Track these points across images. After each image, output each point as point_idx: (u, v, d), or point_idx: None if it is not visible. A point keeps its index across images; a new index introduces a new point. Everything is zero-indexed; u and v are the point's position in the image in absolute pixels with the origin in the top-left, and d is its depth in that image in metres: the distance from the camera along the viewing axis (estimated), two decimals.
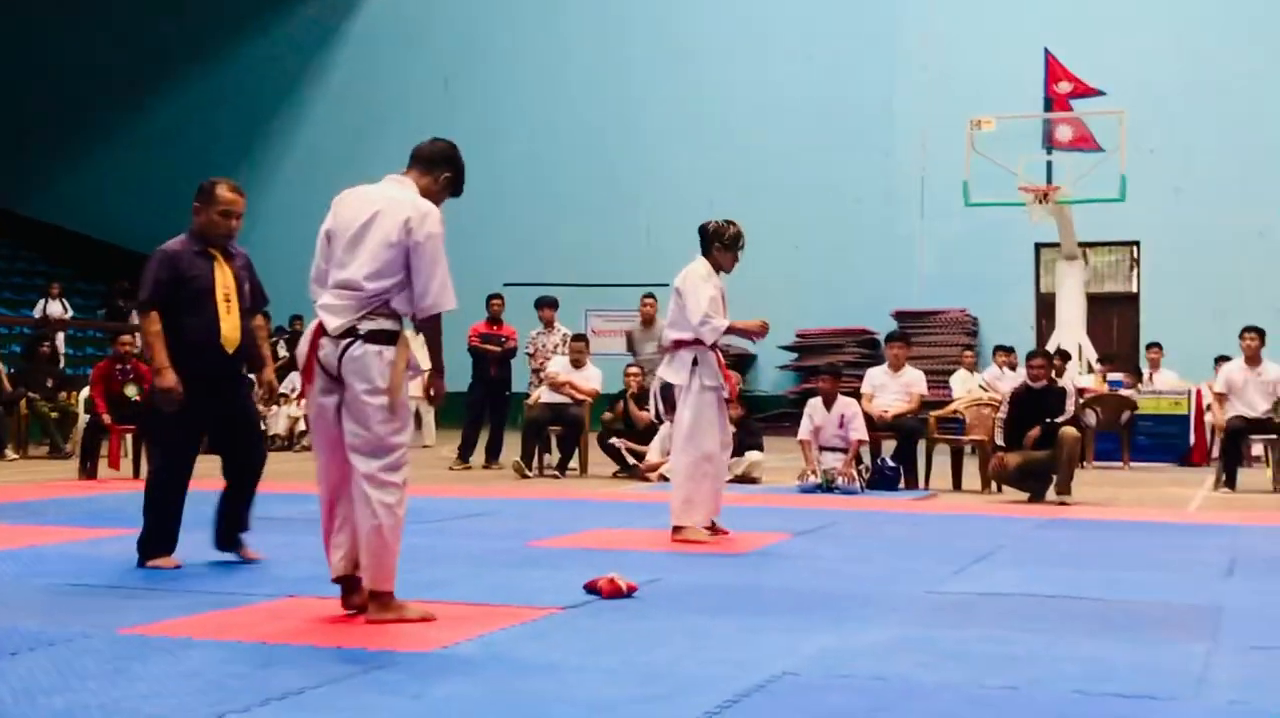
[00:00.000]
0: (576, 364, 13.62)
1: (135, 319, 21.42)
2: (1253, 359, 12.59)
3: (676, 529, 7.66)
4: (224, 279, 6.49)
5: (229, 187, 6.58)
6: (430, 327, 5.12)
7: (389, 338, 5.03)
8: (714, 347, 7.83)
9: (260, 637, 4.74)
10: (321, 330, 5.05)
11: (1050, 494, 10.74)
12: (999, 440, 11.04)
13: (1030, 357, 11.52)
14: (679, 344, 7.77)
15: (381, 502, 4.98)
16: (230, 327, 6.45)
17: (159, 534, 6.42)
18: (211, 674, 4.13)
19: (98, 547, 7.18)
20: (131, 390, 12.54)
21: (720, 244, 7.86)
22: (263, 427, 16.49)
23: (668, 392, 7.96)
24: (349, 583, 5.15)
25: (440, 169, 5.31)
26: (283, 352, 20.59)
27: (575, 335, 14.20)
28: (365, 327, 5.01)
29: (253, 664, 4.29)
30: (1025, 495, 10.94)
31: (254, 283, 6.78)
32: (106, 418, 12.32)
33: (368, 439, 4.98)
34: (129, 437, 12.59)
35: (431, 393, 5.30)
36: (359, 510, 5.02)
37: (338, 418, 5.06)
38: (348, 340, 5.00)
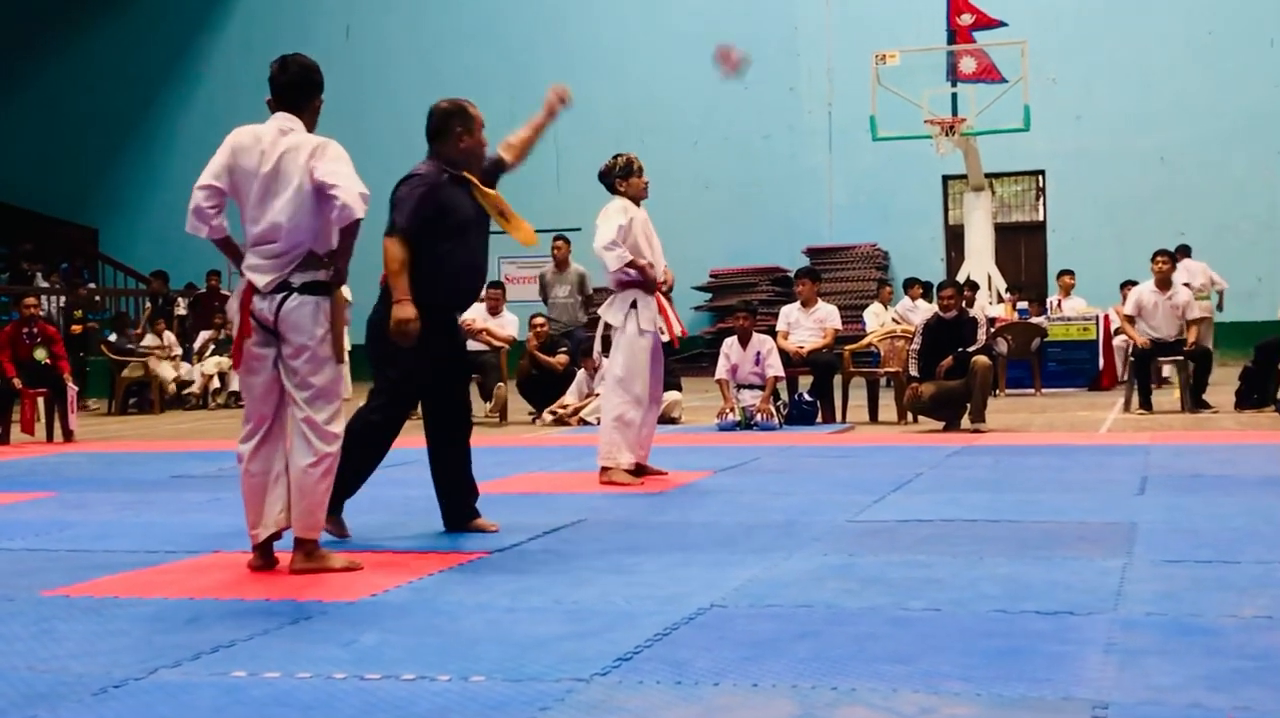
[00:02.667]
0: (493, 312, 13.58)
1: (42, 283, 21.06)
2: (1163, 283, 12.78)
3: (603, 471, 7.69)
4: (494, 200, 6.13)
5: (470, 102, 6.21)
6: (346, 235, 4.97)
7: (323, 289, 5.01)
8: (659, 290, 7.83)
9: (186, 592, 4.72)
10: (252, 289, 4.99)
11: (965, 423, 10.90)
12: (913, 371, 11.18)
13: (940, 287, 11.65)
14: (621, 284, 7.79)
15: (320, 451, 4.98)
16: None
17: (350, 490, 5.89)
18: (139, 632, 4.11)
19: (14, 511, 7.09)
20: (41, 354, 12.33)
21: (619, 177, 7.92)
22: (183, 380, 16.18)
23: (607, 331, 8.00)
24: (270, 543, 5.12)
25: (312, 96, 5.23)
26: (181, 310, 20.38)
27: (491, 283, 14.13)
28: (297, 279, 4.97)
29: (181, 620, 4.27)
30: (941, 425, 11.10)
31: None
32: (17, 382, 12.11)
33: (310, 389, 4.97)
34: (41, 400, 12.39)
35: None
36: (295, 458, 5.00)
37: (275, 371, 5.03)
38: (282, 294, 4.96)
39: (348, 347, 5.19)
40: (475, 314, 13.52)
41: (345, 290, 5.19)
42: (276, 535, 5.11)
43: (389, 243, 5.79)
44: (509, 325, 13.58)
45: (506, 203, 6.22)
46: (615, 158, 8.04)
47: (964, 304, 11.54)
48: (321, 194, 4.92)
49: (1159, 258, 12.86)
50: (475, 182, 6.08)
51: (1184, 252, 17.95)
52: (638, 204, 7.92)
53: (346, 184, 4.90)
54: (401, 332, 5.64)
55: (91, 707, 3.31)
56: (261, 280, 4.98)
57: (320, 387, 5.00)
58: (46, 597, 4.71)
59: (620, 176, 7.94)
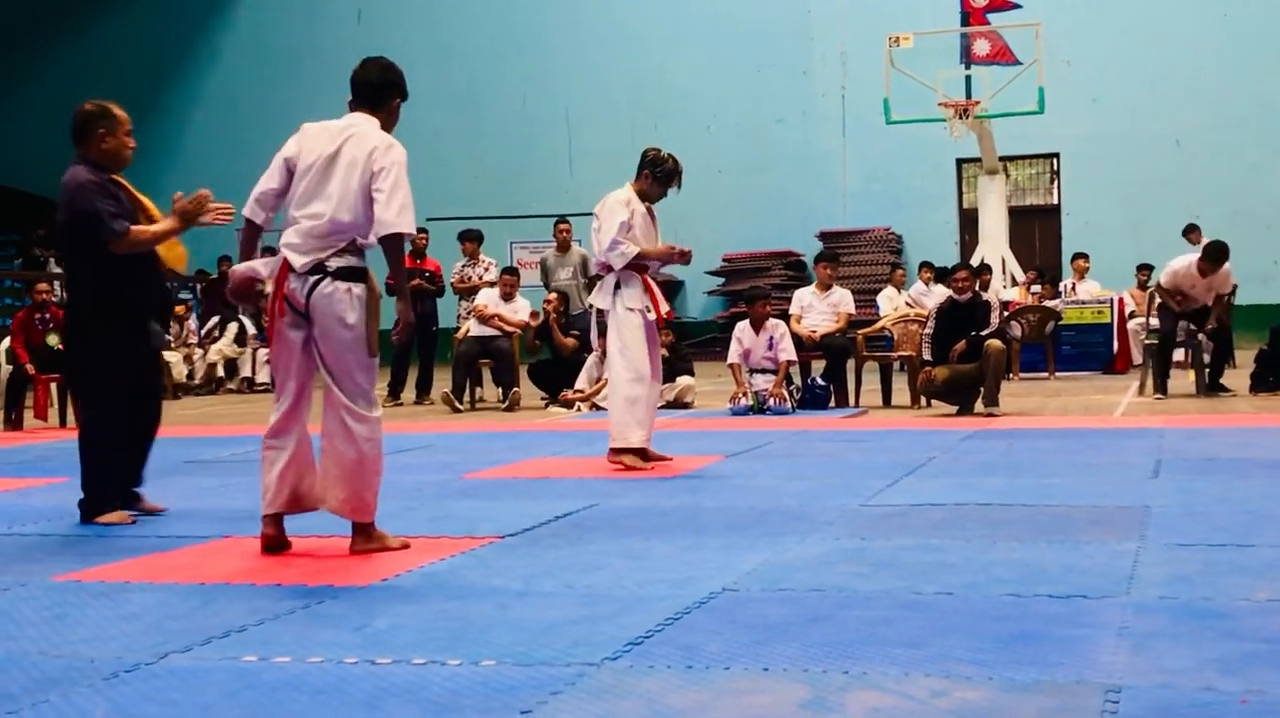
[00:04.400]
0: (506, 297, 13.58)
1: (55, 268, 21.11)
2: (1205, 274, 12.40)
3: (614, 451, 7.68)
4: (143, 203, 6.28)
5: (117, 105, 6.32)
6: (389, 248, 5.03)
7: (358, 275, 5.05)
8: (644, 270, 7.81)
9: (198, 577, 4.73)
10: (288, 267, 5.01)
11: (978, 406, 10.87)
12: (926, 355, 11.15)
13: (954, 270, 11.61)
14: (608, 268, 7.77)
15: (363, 436, 5.04)
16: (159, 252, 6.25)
17: (110, 488, 6.14)
18: (151, 616, 4.11)
19: (26, 497, 7.11)
20: (53, 339, 12.35)
21: (653, 174, 7.81)
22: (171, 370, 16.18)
23: (601, 317, 7.99)
24: (279, 519, 5.14)
25: (390, 97, 5.27)
26: (185, 296, 20.41)
27: (506, 269, 14.13)
28: (334, 264, 5.01)
29: (192, 605, 4.28)
30: (954, 409, 11.08)
31: None
32: (30, 368, 12.14)
33: (345, 375, 5.02)
34: (54, 386, 12.42)
35: (400, 323, 5.18)
36: (339, 445, 5.04)
37: (305, 353, 5.08)
38: (316, 277, 4.99)
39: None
40: (488, 300, 13.53)
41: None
42: (289, 512, 5.14)
43: (127, 241, 5.94)
44: (521, 311, 13.57)
45: (158, 212, 6.29)
46: (669, 158, 7.83)
47: (978, 287, 11.49)
48: (370, 198, 4.97)
49: (1203, 262, 12.38)
50: (127, 184, 6.22)
51: (1195, 231, 17.88)
52: (643, 199, 7.84)
53: (390, 209, 4.93)
54: (199, 205, 5.99)
55: (103, 691, 3.31)
56: (299, 260, 5.01)
57: (355, 371, 5.05)
58: (58, 582, 4.72)
59: (655, 177, 7.81)
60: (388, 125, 5.22)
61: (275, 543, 5.14)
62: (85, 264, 6.07)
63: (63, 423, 12.21)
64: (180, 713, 3.12)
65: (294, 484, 5.10)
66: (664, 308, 7.98)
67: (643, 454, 7.72)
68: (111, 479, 6.14)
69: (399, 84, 5.29)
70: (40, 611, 4.24)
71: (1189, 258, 12.65)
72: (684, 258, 8.01)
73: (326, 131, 5.12)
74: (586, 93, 24.04)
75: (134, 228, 5.98)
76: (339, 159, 5.03)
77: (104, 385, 6.10)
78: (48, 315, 12.51)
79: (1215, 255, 12.32)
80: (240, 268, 5.19)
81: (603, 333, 7.98)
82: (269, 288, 5.13)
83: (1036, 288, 17.34)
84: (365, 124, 5.14)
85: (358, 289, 5.03)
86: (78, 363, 6.28)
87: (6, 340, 13.17)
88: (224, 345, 17.65)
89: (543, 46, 24.42)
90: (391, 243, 5.01)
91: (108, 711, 3.15)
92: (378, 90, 5.24)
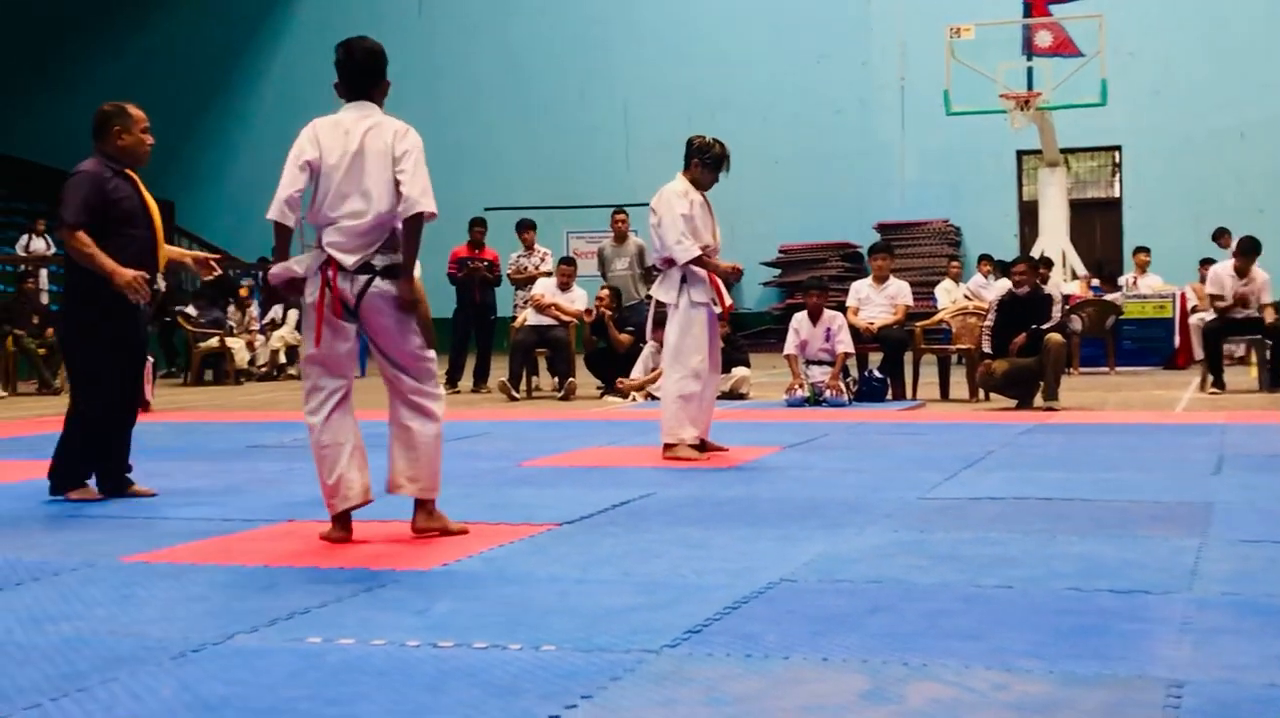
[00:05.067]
0: (563, 287, 13.63)
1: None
2: (1244, 270, 12.47)
3: (667, 447, 7.69)
4: (150, 199, 6.46)
5: (134, 105, 6.50)
6: (411, 229, 5.08)
7: (402, 272, 5.10)
8: (707, 264, 7.79)
9: (263, 560, 4.79)
10: (336, 266, 5.06)
11: (1038, 401, 10.81)
12: (986, 348, 11.09)
13: (1014, 263, 11.53)
14: (668, 263, 7.74)
15: (437, 414, 5.17)
16: (161, 244, 6.46)
17: (84, 467, 6.36)
18: (217, 598, 4.17)
19: (93, 479, 7.19)
20: None
21: (701, 161, 7.79)
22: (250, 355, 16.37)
23: (661, 310, 7.98)
24: (349, 514, 5.18)
25: (382, 78, 5.29)
26: (246, 281, 20.56)
27: (563, 259, 14.18)
28: (380, 262, 5.06)
29: (257, 587, 4.34)
30: (1013, 402, 11.01)
31: None
32: None
33: (410, 360, 5.12)
34: None
35: (401, 297, 5.13)
36: (416, 426, 5.12)
37: (353, 344, 5.16)
38: (365, 277, 5.04)
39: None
40: (545, 289, 13.58)
41: (415, 266, 5.26)
42: (358, 506, 5.17)
43: (69, 237, 6.11)
44: (578, 301, 13.62)
45: (158, 223, 6.48)
46: (715, 143, 7.81)
47: (1038, 280, 11.40)
48: (396, 185, 5.02)
49: (1239, 256, 12.46)
50: (139, 183, 6.39)
51: (1225, 234, 17.71)
52: (697, 188, 7.84)
53: (415, 187, 4.99)
54: (133, 287, 6.07)
55: (171, 671, 3.37)
56: (348, 259, 5.04)
57: (419, 354, 5.13)
58: (126, 563, 4.79)
59: (704, 164, 7.77)
60: (381, 105, 5.25)
61: (343, 539, 5.16)
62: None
63: None
64: (246, 693, 3.17)
65: (360, 477, 5.14)
66: (728, 300, 7.99)
67: (699, 446, 7.73)
68: (88, 459, 6.35)
69: (383, 64, 5.31)
70: (108, 591, 4.30)
71: (1228, 261, 12.69)
72: (737, 275, 8.03)
73: (340, 127, 5.13)
74: (644, 84, 24.05)
75: (81, 235, 6.10)
76: (365, 154, 5.05)
77: (98, 371, 6.27)
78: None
79: (1248, 249, 12.47)
80: (278, 268, 5.23)
81: (659, 324, 7.99)
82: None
83: (1095, 282, 17.21)
84: (375, 113, 5.17)
85: (405, 285, 5.09)
86: (73, 348, 6.45)
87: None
88: (286, 332, 17.82)
89: (601, 37, 24.45)
90: (414, 222, 5.03)
91: (175, 689, 3.21)
92: (369, 74, 5.24)
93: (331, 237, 5.09)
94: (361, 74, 5.24)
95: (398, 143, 5.05)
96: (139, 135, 6.39)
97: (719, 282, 7.87)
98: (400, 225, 5.09)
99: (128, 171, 6.38)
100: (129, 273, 6.10)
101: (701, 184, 7.81)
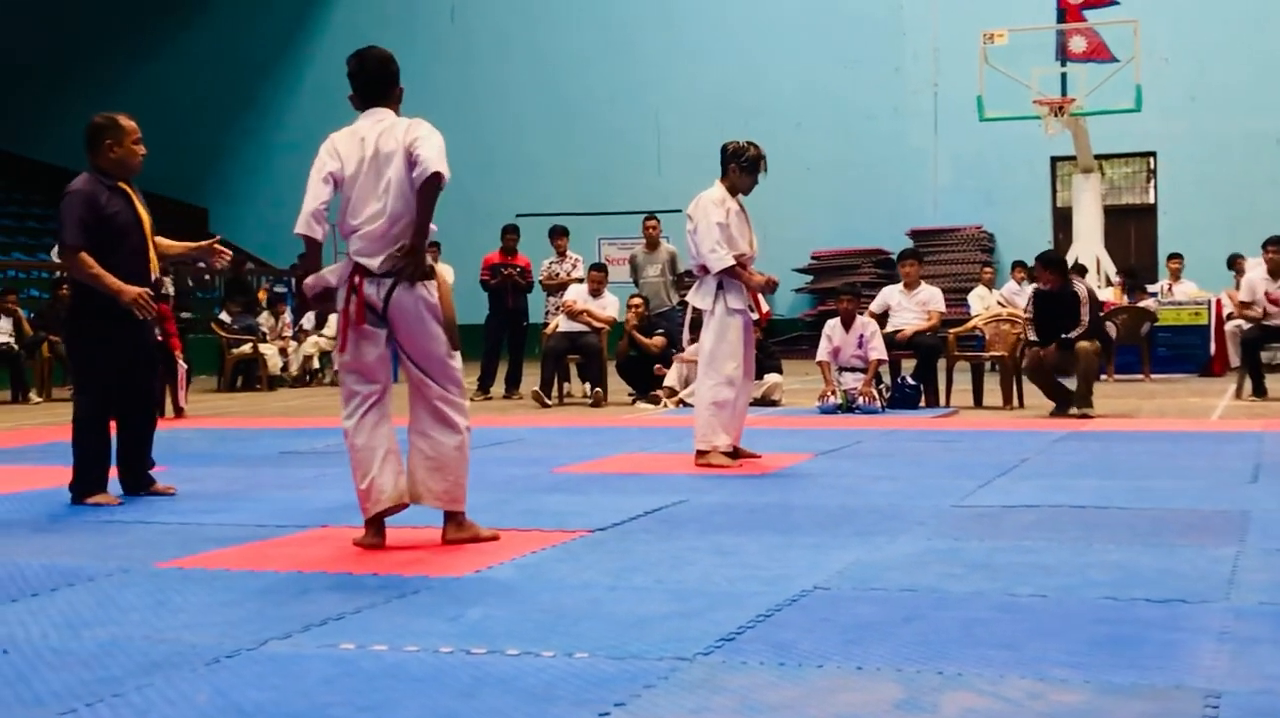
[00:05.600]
0: (595, 293, 13.64)
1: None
2: (1275, 271, 12.47)
3: (700, 454, 7.68)
4: (143, 211, 6.56)
5: (127, 116, 6.61)
6: (425, 192, 5.02)
7: (427, 274, 5.11)
8: (741, 270, 7.77)
9: (296, 566, 4.80)
10: (363, 272, 5.08)
11: (1072, 409, 10.74)
12: (1031, 336, 10.99)
13: (1038, 266, 11.42)
14: (705, 269, 7.73)
15: (460, 424, 5.16)
16: (154, 258, 6.57)
17: (97, 472, 6.47)
18: (251, 603, 4.19)
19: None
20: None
21: (738, 165, 7.78)
22: (281, 360, 16.40)
23: (697, 316, 7.96)
24: (382, 519, 5.19)
25: (395, 86, 5.32)
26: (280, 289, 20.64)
27: (594, 265, 14.19)
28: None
29: (290, 593, 4.35)
30: (1047, 409, 10.94)
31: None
32: None
33: (436, 367, 5.12)
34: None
35: (406, 256, 5.09)
36: (438, 436, 5.13)
37: (384, 350, 5.16)
38: (390, 281, 5.05)
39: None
40: (576, 295, 13.60)
41: (447, 270, 5.28)
42: (391, 511, 5.18)
43: (70, 258, 6.32)
44: (610, 307, 13.63)
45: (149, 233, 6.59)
46: (749, 145, 7.81)
47: (1065, 277, 11.26)
48: (409, 162, 5.02)
49: (1270, 247, 12.55)
50: (135, 195, 6.51)
51: (1240, 259, 17.58)
52: (734, 194, 7.82)
53: (429, 149, 4.98)
54: (139, 304, 6.27)
55: (206, 676, 3.38)
56: (373, 263, 5.06)
57: (445, 361, 5.13)
58: (161, 568, 4.82)
59: (741, 167, 7.76)
60: (397, 112, 5.26)
61: (377, 544, 5.17)
62: None
63: (161, 413, 12.40)
64: (281, 698, 3.18)
65: (395, 482, 5.15)
66: (765, 307, 7.97)
67: (732, 453, 7.72)
68: (99, 463, 6.48)
69: (397, 72, 5.33)
70: (143, 596, 4.32)
71: (1263, 267, 12.65)
72: (771, 288, 7.99)
73: (356, 136, 5.16)
74: (675, 90, 24.05)
75: (84, 257, 6.28)
76: (380, 157, 5.08)
77: (94, 377, 6.47)
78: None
79: (1276, 239, 12.53)
80: (311, 279, 5.25)
81: (695, 332, 7.97)
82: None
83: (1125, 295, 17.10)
84: (389, 118, 5.19)
85: (430, 283, 5.10)
86: (74, 352, 6.66)
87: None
88: (321, 338, 17.87)
89: (632, 44, 24.47)
90: (429, 184, 4.99)
91: (210, 695, 3.22)
92: (385, 82, 5.27)
93: (356, 244, 5.12)
94: (374, 82, 5.27)
95: (409, 133, 5.07)
96: (130, 147, 6.51)
97: (754, 291, 7.85)
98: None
99: (121, 184, 6.51)
100: (134, 290, 6.29)
101: (740, 188, 7.79)
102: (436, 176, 4.97)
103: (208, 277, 21.70)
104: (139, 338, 6.56)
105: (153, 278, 6.57)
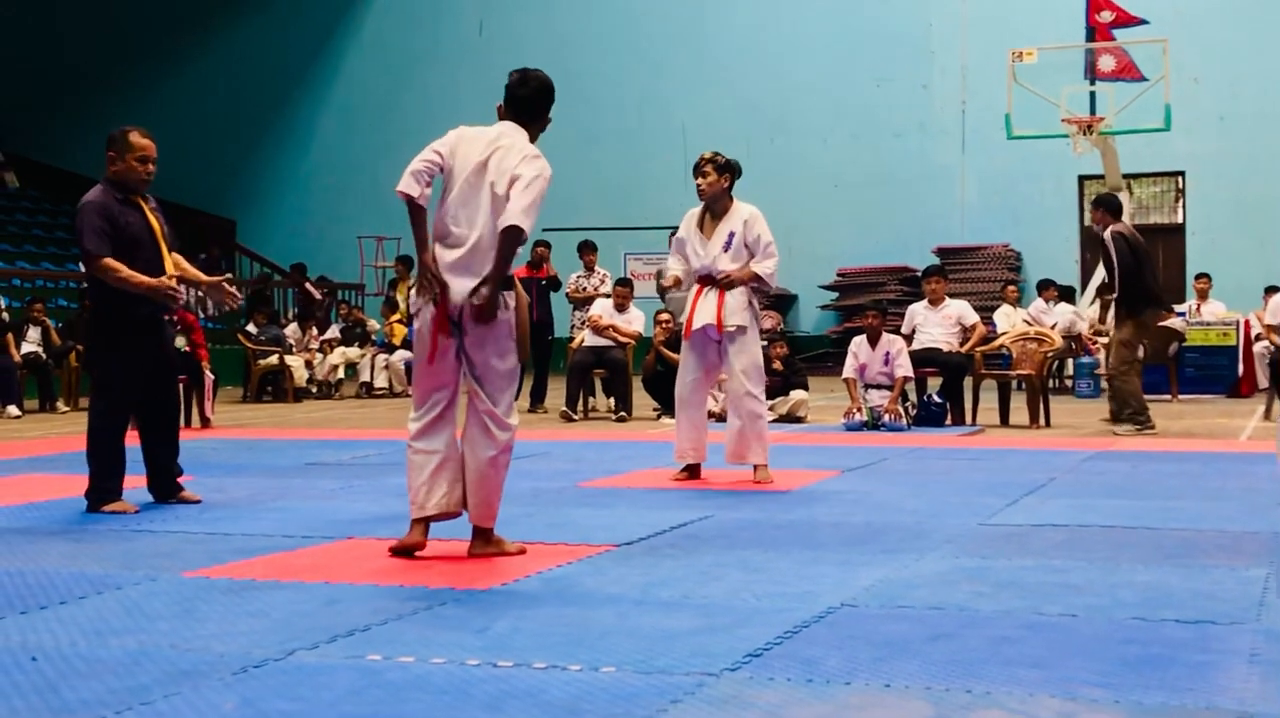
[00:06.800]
0: (620, 308, 13.65)
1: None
2: None
3: (761, 468, 7.65)
4: (155, 223, 6.65)
5: (140, 133, 6.67)
6: (504, 241, 5.00)
7: (507, 283, 5.12)
8: (689, 284, 7.77)
9: (323, 577, 4.80)
10: (444, 287, 5.06)
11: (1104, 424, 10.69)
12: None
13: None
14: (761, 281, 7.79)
15: (502, 442, 5.17)
16: (169, 268, 6.64)
17: (113, 481, 6.55)
18: (278, 614, 4.19)
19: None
20: (180, 342, 12.63)
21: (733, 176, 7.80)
22: (305, 372, 16.46)
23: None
24: (428, 524, 5.19)
25: (542, 113, 5.34)
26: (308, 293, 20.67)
27: (619, 280, 14.20)
28: (485, 272, 5.05)
29: (318, 603, 4.35)
30: (1076, 429, 10.88)
31: (168, 227, 6.93)
32: None
33: (493, 382, 5.13)
34: (180, 387, 12.67)
35: (477, 302, 5.08)
36: (477, 450, 5.14)
37: (455, 359, 5.15)
38: (470, 290, 5.04)
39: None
40: (601, 310, 13.60)
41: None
42: (439, 518, 5.18)
43: (95, 265, 6.40)
44: (635, 322, 13.63)
45: (163, 242, 6.70)
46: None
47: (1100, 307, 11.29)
48: (506, 194, 5.04)
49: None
50: (148, 208, 6.63)
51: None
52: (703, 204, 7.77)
53: (522, 200, 4.98)
54: (168, 291, 6.45)
55: (233, 686, 3.38)
56: (459, 285, 5.03)
57: (502, 377, 5.14)
58: (188, 578, 4.83)
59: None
60: (534, 139, 5.28)
61: (416, 547, 5.17)
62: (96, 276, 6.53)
63: (187, 424, 12.47)
64: (307, 708, 3.18)
65: (449, 488, 5.15)
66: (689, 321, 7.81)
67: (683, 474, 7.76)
68: (115, 472, 6.54)
69: (551, 102, 5.36)
70: (171, 605, 4.34)
71: None
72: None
73: (483, 138, 5.18)
74: (702, 106, 24.05)
75: (109, 262, 6.38)
76: (487, 170, 5.09)
77: (112, 386, 6.56)
78: (174, 318, 12.76)
79: None
80: (416, 302, 5.21)
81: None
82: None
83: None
84: (515, 135, 5.20)
85: (508, 297, 5.11)
86: (94, 364, 6.76)
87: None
88: (350, 349, 17.92)
89: (659, 60, 24.49)
90: (506, 235, 4.99)
91: (237, 704, 3.22)
92: (533, 105, 5.30)
93: (444, 256, 5.08)
94: (528, 101, 5.30)
95: (522, 167, 5.05)
96: (131, 163, 6.57)
97: (695, 301, 7.73)
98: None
99: (134, 198, 6.61)
100: (164, 280, 6.43)
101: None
102: (514, 230, 4.97)
103: (214, 311, 21.77)
104: (159, 346, 6.67)
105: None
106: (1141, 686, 3.31)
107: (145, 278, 6.39)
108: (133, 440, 6.68)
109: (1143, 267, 10.87)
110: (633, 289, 14.08)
